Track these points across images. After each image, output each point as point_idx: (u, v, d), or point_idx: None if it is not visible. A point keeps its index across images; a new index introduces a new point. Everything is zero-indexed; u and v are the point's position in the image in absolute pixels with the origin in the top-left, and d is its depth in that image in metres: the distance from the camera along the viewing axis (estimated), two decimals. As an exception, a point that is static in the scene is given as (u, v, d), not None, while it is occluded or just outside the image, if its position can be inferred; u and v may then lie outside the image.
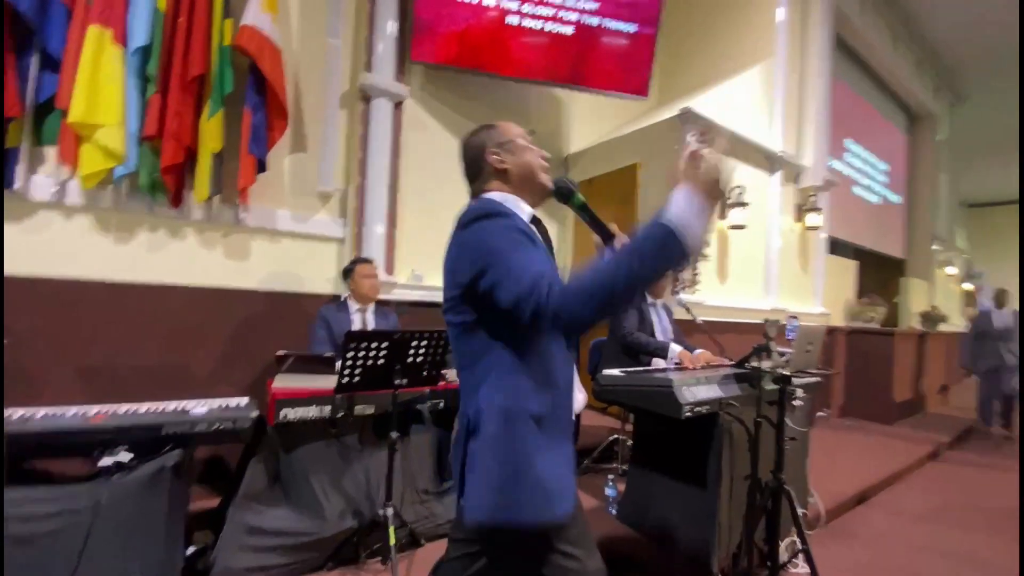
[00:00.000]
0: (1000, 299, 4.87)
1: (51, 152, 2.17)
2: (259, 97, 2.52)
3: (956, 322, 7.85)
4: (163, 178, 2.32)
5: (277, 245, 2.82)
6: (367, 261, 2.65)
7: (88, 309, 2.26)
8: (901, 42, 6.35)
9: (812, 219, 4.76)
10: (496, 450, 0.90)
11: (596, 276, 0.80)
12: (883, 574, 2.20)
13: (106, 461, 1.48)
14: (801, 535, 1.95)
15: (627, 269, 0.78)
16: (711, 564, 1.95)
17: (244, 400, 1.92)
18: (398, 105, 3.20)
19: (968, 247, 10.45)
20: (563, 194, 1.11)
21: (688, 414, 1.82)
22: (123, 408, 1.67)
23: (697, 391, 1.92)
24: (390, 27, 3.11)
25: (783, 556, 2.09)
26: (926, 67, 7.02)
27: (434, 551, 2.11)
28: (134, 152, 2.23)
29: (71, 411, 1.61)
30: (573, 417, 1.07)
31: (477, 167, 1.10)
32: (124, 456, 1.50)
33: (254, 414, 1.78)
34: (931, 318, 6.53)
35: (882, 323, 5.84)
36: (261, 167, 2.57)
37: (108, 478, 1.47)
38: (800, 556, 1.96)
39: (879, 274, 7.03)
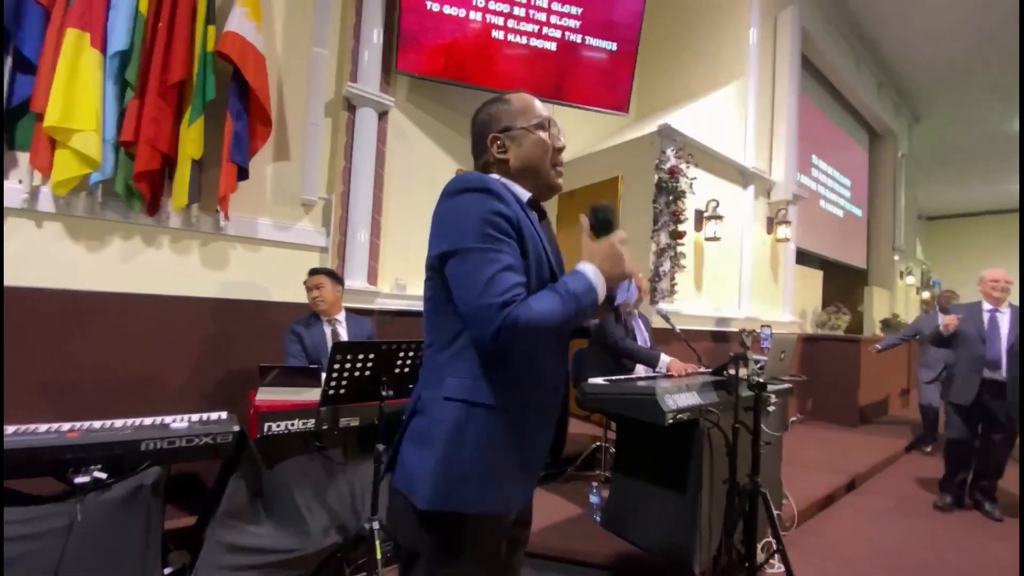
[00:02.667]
0: (945, 303, 4.30)
1: (22, 157, 2.10)
2: (242, 104, 2.49)
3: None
4: (137, 185, 2.26)
5: (258, 254, 2.77)
6: (314, 272, 2.50)
7: (58, 319, 2.17)
8: (864, 64, 6.70)
9: (782, 231, 4.96)
10: (449, 441, 0.85)
11: (551, 314, 0.82)
12: (856, 572, 2.29)
13: (81, 479, 1.43)
14: (776, 536, 2.03)
15: (574, 311, 0.84)
16: (693, 567, 2.01)
17: (223, 414, 1.88)
18: (383, 115, 3.20)
19: (926, 257, 11.02)
20: (601, 225, 0.95)
21: (671, 421, 1.88)
22: (98, 424, 1.62)
23: (679, 399, 1.98)
24: (376, 37, 3.12)
25: (760, 557, 2.16)
26: (886, 88, 7.43)
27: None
28: (110, 158, 2.17)
29: (43, 428, 1.55)
30: (556, 414, 1.02)
31: (480, 148, 1.02)
32: (99, 474, 1.46)
33: (235, 428, 1.75)
34: (892, 325, 6.86)
35: (846, 330, 6.11)
36: (243, 175, 2.53)
37: (83, 497, 1.42)
38: (776, 556, 2.04)
39: (843, 283, 7.35)
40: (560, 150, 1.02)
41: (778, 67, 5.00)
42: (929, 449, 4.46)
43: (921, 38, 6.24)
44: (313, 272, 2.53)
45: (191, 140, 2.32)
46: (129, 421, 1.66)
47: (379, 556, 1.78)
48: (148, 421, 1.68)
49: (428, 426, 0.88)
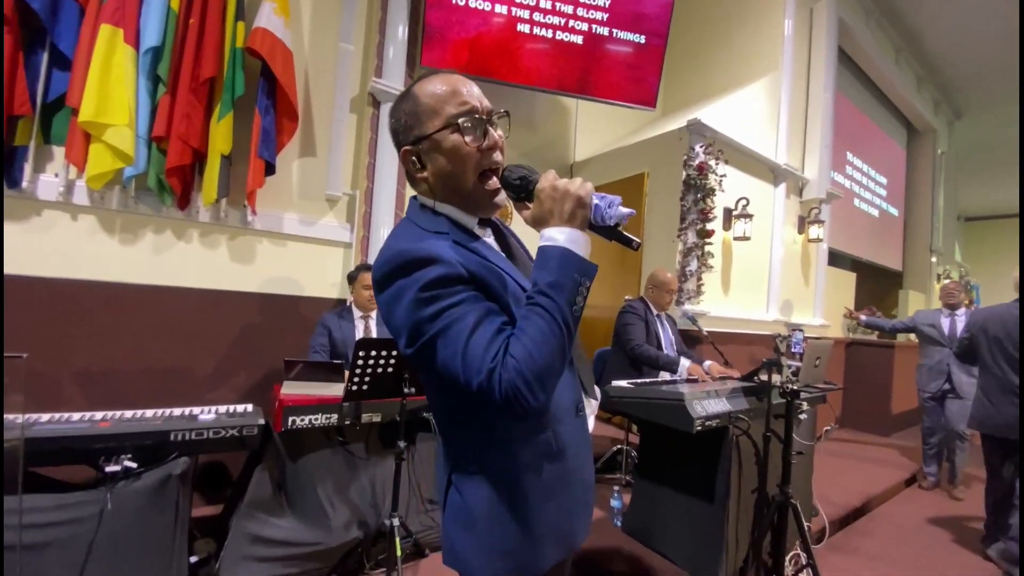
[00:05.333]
0: (950, 298, 3.59)
1: (58, 152, 2.15)
2: (269, 100, 2.50)
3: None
4: (169, 179, 2.30)
5: (283, 249, 2.80)
6: (371, 269, 2.59)
7: (92, 311, 2.23)
8: (903, 58, 6.41)
9: (814, 231, 4.78)
10: (487, 517, 0.79)
11: (545, 338, 0.67)
12: (888, 591, 2.20)
13: (112, 467, 1.45)
14: (807, 549, 1.95)
15: (568, 303, 0.69)
16: (718, 579, 1.95)
17: (249, 407, 1.90)
18: (407, 110, 3.19)
19: (964, 260, 10.53)
20: (513, 187, 0.78)
21: (699, 428, 1.82)
22: (129, 414, 1.65)
23: (707, 405, 1.92)
24: (401, 32, 3.11)
25: (788, 570, 2.08)
26: (927, 83, 7.09)
27: (439, 561, 2.09)
28: (143, 153, 2.21)
29: (76, 416, 1.58)
30: (587, 435, 0.91)
31: (407, 168, 0.81)
32: (130, 463, 1.48)
33: (261, 421, 1.77)
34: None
35: (880, 335, 5.87)
36: (270, 170, 2.55)
37: (113, 485, 1.44)
38: (805, 571, 1.96)
39: (877, 286, 7.07)
40: (491, 148, 0.77)
41: (813, 60, 4.81)
42: (926, 483, 3.63)
43: (965, 31, 5.92)
44: (367, 268, 2.58)
45: (221, 136, 2.35)
46: (159, 411, 1.69)
47: (399, 552, 1.77)
48: (177, 412, 1.71)
49: (461, 505, 0.81)
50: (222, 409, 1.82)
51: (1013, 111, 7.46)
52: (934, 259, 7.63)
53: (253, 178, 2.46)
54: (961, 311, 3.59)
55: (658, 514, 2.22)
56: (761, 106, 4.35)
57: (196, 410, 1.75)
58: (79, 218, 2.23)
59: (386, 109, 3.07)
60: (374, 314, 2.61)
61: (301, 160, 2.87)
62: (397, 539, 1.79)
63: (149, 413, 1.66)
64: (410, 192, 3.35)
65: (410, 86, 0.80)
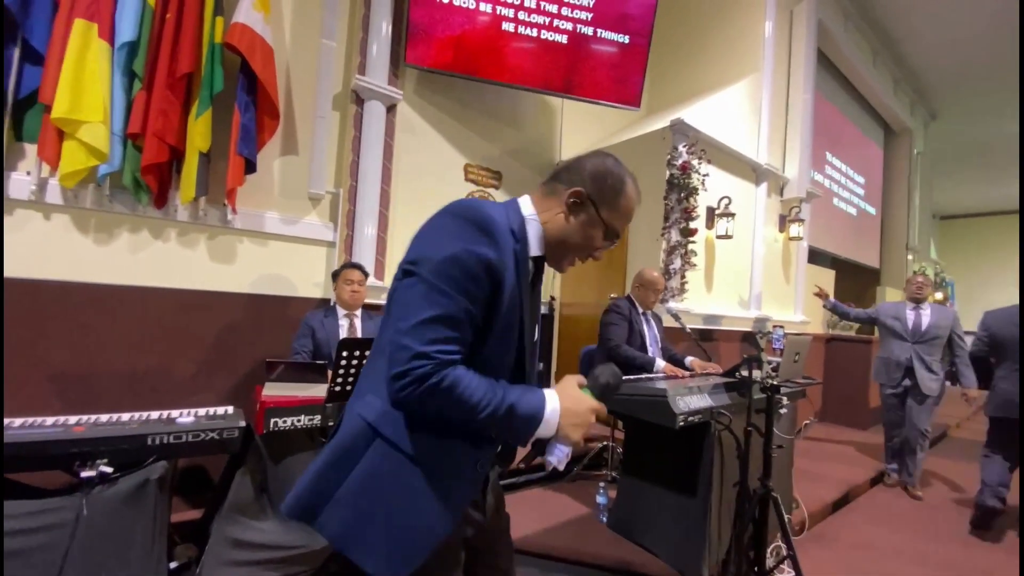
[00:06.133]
0: (917, 292, 3.45)
1: (30, 149, 2.09)
2: (249, 97, 2.47)
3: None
4: (144, 177, 2.25)
5: (265, 248, 2.76)
6: (355, 267, 2.54)
7: (66, 312, 2.18)
8: (881, 60, 6.56)
9: (795, 229, 4.87)
10: (361, 487, 0.78)
11: (462, 401, 0.74)
12: (865, 580, 2.25)
13: (87, 473, 1.42)
14: (787, 541, 1.99)
15: (489, 419, 0.76)
16: (702, 571, 1.98)
17: (230, 409, 1.88)
18: (391, 108, 3.17)
19: (939, 257, 10.83)
20: (600, 389, 0.88)
21: (682, 423, 1.84)
22: (105, 418, 1.62)
23: (690, 401, 1.94)
24: (384, 29, 3.09)
25: (769, 562, 2.13)
26: (903, 85, 7.27)
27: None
28: (118, 150, 2.16)
29: (49, 421, 1.54)
30: (482, 459, 0.88)
31: (564, 180, 0.90)
32: (106, 468, 1.45)
33: (241, 423, 1.74)
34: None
35: (858, 331, 6.01)
36: (250, 168, 2.51)
37: (89, 491, 1.41)
38: (786, 562, 2.00)
39: (855, 283, 7.23)
40: (593, 256, 0.95)
41: (793, 62, 4.90)
42: (890, 480, 3.52)
43: (941, 35, 6.08)
44: (353, 266, 2.54)
45: (199, 133, 2.31)
46: (135, 415, 1.66)
47: (384, 554, 1.76)
48: (155, 415, 1.67)
49: (345, 456, 0.80)
50: (201, 412, 1.79)
51: (986, 113, 7.71)
52: (910, 257, 7.83)
53: (233, 176, 2.42)
54: (926, 306, 3.42)
55: (643, 509, 2.25)
56: (743, 106, 4.42)
57: (174, 413, 1.72)
58: (52, 217, 2.18)
59: (370, 107, 3.05)
60: (359, 312, 2.58)
61: (283, 158, 2.83)
62: (382, 540, 1.79)
63: (125, 417, 1.63)
64: (396, 190, 3.33)
65: (625, 175, 0.91)
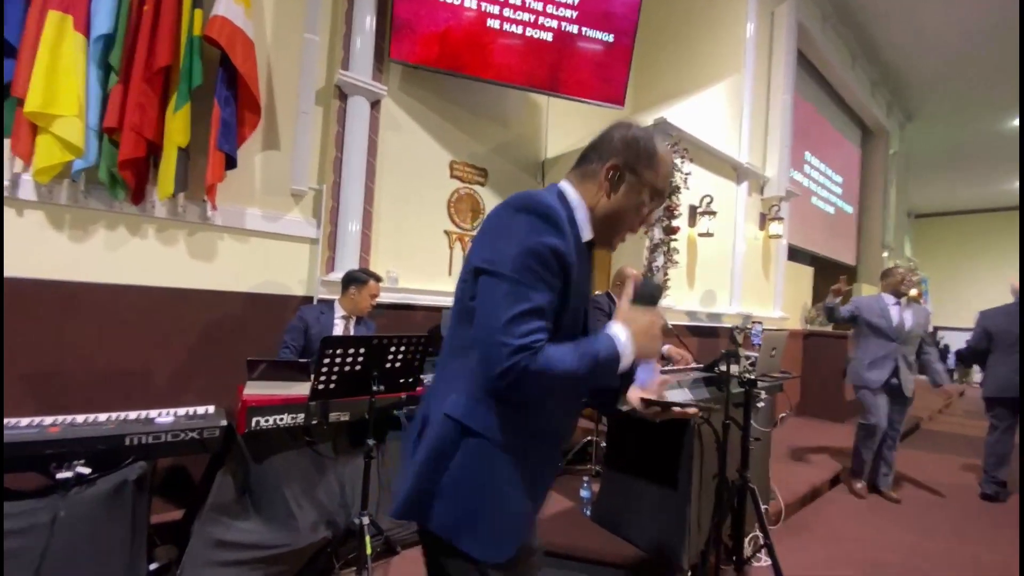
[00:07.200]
0: (898, 286, 3.32)
1: (3, 144, 2.03)
2: (230, 91, 2.43)
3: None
4: (121, 173, 2.20)
5: (246, 245, 2.73)
6: (379, 279, 2.61)
7: (41, 310, 2.12)
8: (859, 62, 6.71)
9: (775, 228, 4.98)
10: (460, 481, 0.83)
11: (564, 372, 0.78)
12: (841, 566, 2.33)
13: (64, 474, 1.40)
14: (764, 531, 2.06)
15: (588, 373, 0.80)
16: (682, 561, 2.03)
17: (211, 408, 1.86)
18: (375, 104, 3.15)
19: (914, 255, 11.15)
20: (646, 299, 0.92)
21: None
22: (81, 418, 1.59)
23: (671, 395, 1.98)
24: (368, 24, 3.06)
25: (747, 551, 2.19)
26: (880, 86, 7.44)
27: (410, 558, 2.10)
28: (94, 145, 2.11)
29: (24, 422, 1.52)
30: (555, 464, 0.99)
31: (596, 158, 0.91)
32: (83, 469, 1.43)
33: (223, 423, 1.73)
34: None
35: (835, 326, 6.17)
36: (231, 163, 2.47)
37: (66, 492, 1.39)
38: (763, 551, 2.07)
39: (833, 280, 7.40)
40: (644, 222, 0.97)
41: (774, 63, 4.98)
42: (860, 486, 3.32)
43: (917, 38, 6.24)
44: (375, 277, 2.58)
45: (177, 127, 2.27)
46: (113, 415, 1.63)
47: (368, 551, 1.77)
48: (132, 415, 1.65)
49: (441, 455, 0.84)
50: (181, 411, 1.77)
51: (961, 115, 7.94)
52: (886, 254, 8.05)
53: (213, 172, 2.39)
54: (907, 303, 3.28)
55: (625, 502, 2.29)
56: (724, 106, 4.49)
57: (153, 413, 1.70)
58: (25, 214, 2.12)
59: (354, 102, 3.02)
60: (354, 319, 2.58)
61: (264, 153, 2.80)
62: (367, 537, 1.79)
63: (103, 417, 1.61)
64: (380, 187, 3.31)
65: (653, 136, 0.93)
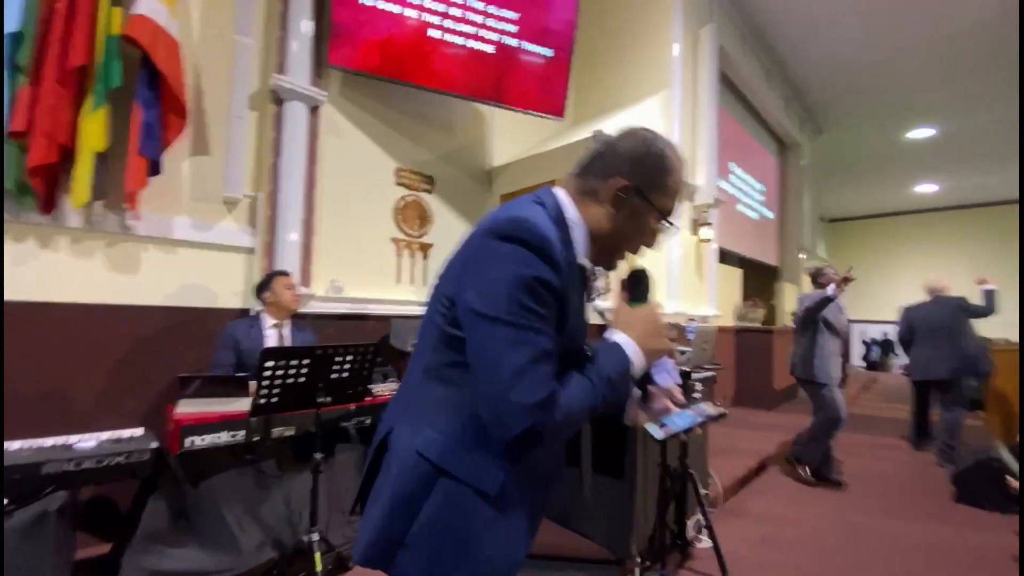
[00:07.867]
0: (826, 280, 3.49)
1: None
2: (152, 93, 2.29)
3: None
4: (31, 180, 2.02)
5: (174, 256, 2.57)
6: (284, 273, 2.53)
7: (-73, 333, 1.89)
8: (773, 81, 7.36)
9: (705, 232, 5.33)
10: (431, 529, 0.74)
11: (581, 412, 0.73)
12: (776, 544, 2.51)
13: (-33, 511, 1.26)
14: (704, 513, 2.20)
15: (602, 402, 0.75)
16: (630, 548, 2.12)
17: (139, 431, 1.75)
18: (314, 109, 3.08)
19: (828, 256, 12.33)
20: (639, 292, 0.87)
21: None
22: (-14, 448, 1.44)
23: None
24: (305, 27, 2.99)
25: (690, 533, 2.33)
26: (793, 103, 8.20)
27: (362, 573, 2.04)
28: (-5, 150, 1.93)
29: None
30: (556, 477, 0.92)
31: (600, 173, 0.82)
32: (-10, 504, 1.30)
33: (152, 445, 1.63)
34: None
35: (762, 322, 6.68)
36: (155, 169, 2.33)
37: (-30, 531, 1.26)
38: (704, 531, 2.21)
39: (759, 280, 8.03)
40: (648, 244, 0.89)
41: (699, 80, 5.36)
42: (807, 473, 3.44)
43: (822, 59, 6.96)
44: (280, 273, 2.51)
45: (93, 131, 2.11)
46: (26, 443, 1.49)
47: (319, 568, 1.72)
48: (49, 442, 1.52)
49: (410, 499, 0.75)
50: (105, 436, 1.65)
51: (865, 128, 8.92)
52: (803, 256, 8.83)
53: (133, 178, 2.23)
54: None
55: (575, 497, 2.37)
56: (657, 119, 4.77)
57: (73, 438, 1.57)
58: (-94, 224, 1.89)
59: (290, 107, 2.94)
60: (288, 322, 2.48)
61: (194, 159, 2.65)
62: (317, 555, 1.74)
63: (15, 445, 1.46)
64: (322, 194, 3.23)
65: (665, 147, 0.83)
